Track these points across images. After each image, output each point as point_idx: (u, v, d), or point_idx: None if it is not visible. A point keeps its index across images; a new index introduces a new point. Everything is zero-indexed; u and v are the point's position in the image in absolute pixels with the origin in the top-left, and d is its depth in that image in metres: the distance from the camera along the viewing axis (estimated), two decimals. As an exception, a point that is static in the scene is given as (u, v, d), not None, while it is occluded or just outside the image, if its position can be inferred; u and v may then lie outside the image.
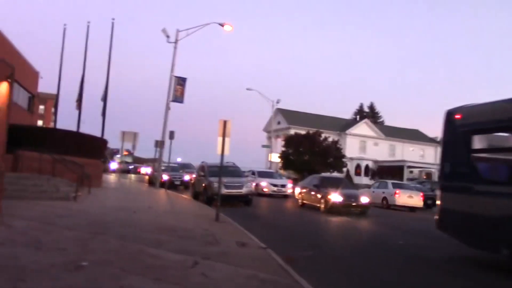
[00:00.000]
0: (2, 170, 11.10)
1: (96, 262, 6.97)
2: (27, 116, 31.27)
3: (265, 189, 29.61)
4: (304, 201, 23.85)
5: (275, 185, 30.22)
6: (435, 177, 64.77)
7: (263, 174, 32.73)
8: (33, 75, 33.47)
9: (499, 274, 9.33)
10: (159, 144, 30.31)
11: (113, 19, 30.29)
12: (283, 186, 30.77)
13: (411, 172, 66.74)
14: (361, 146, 71.80)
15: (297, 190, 26.27)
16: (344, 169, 59.72)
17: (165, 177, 29.43)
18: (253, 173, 32.35)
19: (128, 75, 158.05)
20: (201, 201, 21.96)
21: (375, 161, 69.10)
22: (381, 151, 71.89)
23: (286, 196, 29.69)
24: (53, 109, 41.31)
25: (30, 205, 13.02)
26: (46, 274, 6.07)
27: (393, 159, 70.05)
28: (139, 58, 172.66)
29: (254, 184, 26.76)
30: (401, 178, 58.51)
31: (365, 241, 13.64)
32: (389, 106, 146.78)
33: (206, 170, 22.90)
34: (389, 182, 30.43)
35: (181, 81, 30.67)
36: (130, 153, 62.02)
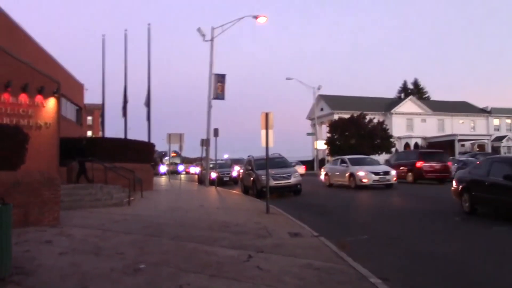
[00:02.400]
0: (58, 182, 11.54)
1: (153, 263, 7.16)
2: (77, 128, 32.32)
3: (364, 180, 23.92)
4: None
5: (376, 173, 24.16)
6: (489, 149, 62.82)
7: (356, 161, 26.40)
8: (79, 88, 34.55)
9: None
10: (205, 143, 30.70)
11: (149, 24, 30.91)
12: (387, 173, 24.40)
13: (463, 145, 64.87)
14: (409, 124, 70.20)
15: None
16: (393, 149, 58.67)
17: (213, 174, 29.78)
18: (343, 161, 26.62)
19: (169, 78, 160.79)
20: (251, 195, 22.12)
21: (424, 138, 67.50)
22: (429, 127, 70.08)
23: (389, 186, 24.19)
24: (100, 119, 42.50)
25: (86, 213, 13.48)
26: (107, 279, 6.29)
27: (442, 134, 68.18)
28: (178, 59, 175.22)
29: (347, 174, 24.88)
30: (453, 153, 57.00)
31: (413, 215, 13.33)
32: (434, 80, 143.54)
33: (253, 164, 23.03)
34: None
35: (220, 78, 30.91)
36: (178, 154, 63.06)
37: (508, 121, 75.38)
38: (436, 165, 27.68)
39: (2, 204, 6.21)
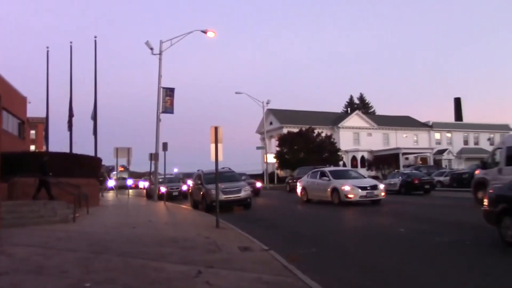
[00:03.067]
0: (-3, 199, 11.06)
1: (99, 282, 6.96)
2: (19, 142, 31.19)
3: (350, 195, 21.15)
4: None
5: (363, 188, 21.39)
6: (431, 162, 65.21)
7: (338, 174, 23.65)
8: (21, 101, 33.40)
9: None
10: (154, 157, 30.30)
11: (95, 37, 30.50)
12: (374, 187, 21.82)
13: (407, 158, 67.05)
14: (355, 138, 71.94)
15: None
16: (341, 163, 59.91)
17: (162, 189, 29.41)
18: (324, 174, 23.74)
19: (116, 92, 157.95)
20: (201, 209, 21.96)
21: (370, 151, 69.31)
22: (375, 140, 72.05)
23: (377, 203, 21.49)
24: (44, 133, 41.12)
25: (29, 231, 12.96)
26: (51, 299, 6.06)
27: (387, 147, 70.27)
28: (125, 72, 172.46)
29: (329, 189, 22.26)
30: (397, 166, 58.83)
31: (365, 231, 13.61)
32: (379, 96, 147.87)
33: (203, 178, 22.88)
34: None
35: (169, 92, 30.67)
36: (126, 169, 61.88)
37: (449, 135, 78.72)
38: None
39: None
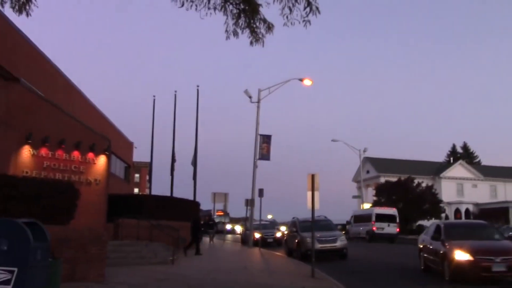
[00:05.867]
0: (105, 239, 11.66)
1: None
2: (124, 185, 32.97)
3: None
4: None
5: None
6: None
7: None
8: (128, 146, 35.53)
9: None
10: (250, 203, 30.60)
11: (198, 86, 31.88)
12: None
13: (517, 213, 62.03)
14: (458, 189, 68.05)
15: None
16: (442, 215, 56.69)
17: (257, 235, 29.45)
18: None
19: (215, 138, 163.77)
20: (295, 257, 21.61)
21: (476, 204, 64.99)
22: (481, 193, 67.65)
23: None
24: (147, 177, 43.29)
25: (131, 270, 13.47)
26: None
27: (495, 200, 65.52)
28: (224, 120, 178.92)
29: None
30: (507, 221, 54.45)
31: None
32: (484, 145, 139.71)
33: (298, 226, 22.64)
34: None
35: (266, 139, 31.16)
36: (226, 214, 62.22)
37: None
38: None
39: (53, 258, 6.29)
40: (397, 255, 23.08)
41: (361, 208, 55.31)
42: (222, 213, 58.86)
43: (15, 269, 5.49)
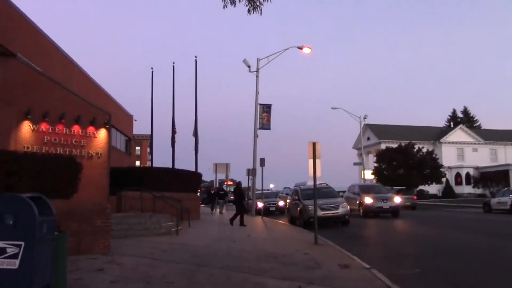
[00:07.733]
0: (108, 211, 11.74)
1: (203, 293, 7.09)
2: (126, 158, 33.05)
3: None
4: None
5: None
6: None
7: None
8: (128, 119, 35.47)
9: None
10: (251, 172, 30.75)
11: (196, 56, 31.64)
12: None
13: (518, 176, 62.25)
14: (459, 154, 68.07)
15: None
16: (443, 180, 56.98)
17: (260, 204, 29.68)
18: None
19: (214, 108, 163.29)
20: (298, 225, 21.83)
21: (476, 168, 65.21)
22: (481, 156, 67.68)
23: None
24: (148, 149, 43.30)
25: (136, 242, 13.61)
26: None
27: (496, 164, 65.68)
28: (223, 90, 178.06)
29: None
30: (507, 183, 54.76)
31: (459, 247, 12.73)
32: (485, 109, 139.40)
33: (300, 194, 22.81)
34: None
35: (266, 108, 31.12)
36: (234, 182, 61.29)
37: None
38: None
39: (58, 232, 6.34)
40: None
41: (362, 175, 55.51)
42: (232, 183, 58.69)
43: (22, 243, 5.54)
